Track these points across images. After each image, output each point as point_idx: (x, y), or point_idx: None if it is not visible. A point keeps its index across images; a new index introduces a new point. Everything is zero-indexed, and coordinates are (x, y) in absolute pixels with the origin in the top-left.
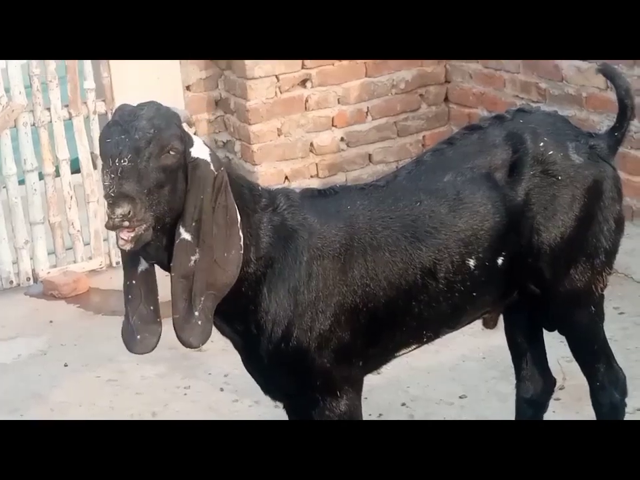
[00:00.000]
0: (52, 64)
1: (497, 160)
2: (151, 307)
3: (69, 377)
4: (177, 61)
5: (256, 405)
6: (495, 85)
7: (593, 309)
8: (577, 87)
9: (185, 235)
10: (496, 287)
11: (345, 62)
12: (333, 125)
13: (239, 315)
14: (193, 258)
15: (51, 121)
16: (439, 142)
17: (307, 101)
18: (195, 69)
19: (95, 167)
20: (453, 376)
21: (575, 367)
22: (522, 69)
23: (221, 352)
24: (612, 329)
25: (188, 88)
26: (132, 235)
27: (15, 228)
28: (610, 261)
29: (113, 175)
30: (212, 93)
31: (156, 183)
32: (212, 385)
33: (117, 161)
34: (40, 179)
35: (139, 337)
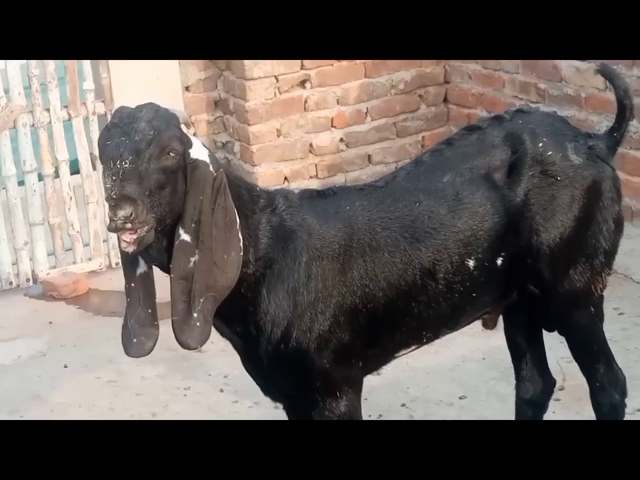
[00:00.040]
0: (51, 65)
1: (496, 160)
2: (149, 310)
3: (69, 378)
4: (176, 62)
5: (256, 405)
6: (494, 85)
7: (593, 309)
8: (575, 87)
9: (185, 236)
10: (495, 288)
11: (344, 62)
12: (332, 126)
13: (238, 316)
14: (192, 259)
15: (50, 122)
16: (438, 142)
17: (306, 101)
18: (194, 70)
19: (94, 167)
20: (453, 377)
21: (574, 367)
22: (521, 69)
23: (221, 353)
24: (611, 329)
25: (187, 88)
26: (134, 237)
27: (15, 229)
28: (609, 262)
29: (114, 177)
30: (211, 94)
31: (157, 185)
32: (212, 386)
33: (117, 163)
34: (39, 180)
35: (135, 340)
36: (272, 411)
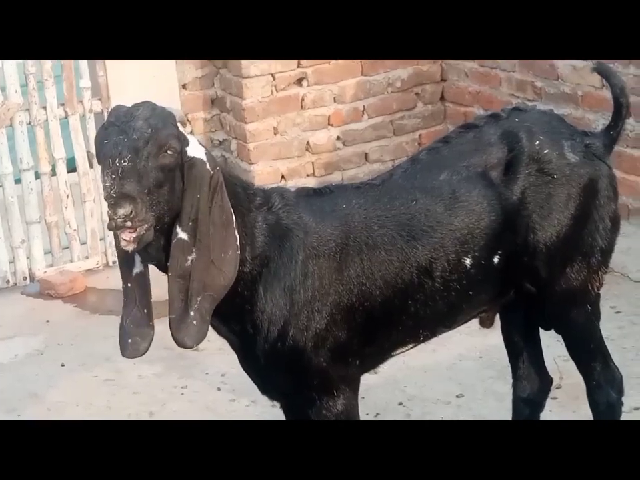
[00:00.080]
0: (48, 62)
1: (492, 158)
2: (145, 310)
3: (66, 377)
4: (173, 60)
5: (253, 404)
6: (491, 83)
7: (589, 307)
8: (572, 85)
9: (182, 235)
10: (492, 286)
11: (340, 61)
12: (329, 124)
13: (235, 315)
14: (189, 258)
15: (47, 120)
16: (434, 140)
17: (302, 99)
18: (190, 68)
19: (91, 165)
20: (450, 375)
21: (571, 365)
22: (518, 67)
23: (218, 351)
24: (608, 327)
25: (184, 86)
26: (134, 235)
27: (11, 227)
28: (606, 260)
29: (113, 176)
30: (208, 92)
31: (155, 183)
32: (209, 384)
33: (116, 161)
34: (36, 178)
35: (129, 340)
36: (269, 409)
